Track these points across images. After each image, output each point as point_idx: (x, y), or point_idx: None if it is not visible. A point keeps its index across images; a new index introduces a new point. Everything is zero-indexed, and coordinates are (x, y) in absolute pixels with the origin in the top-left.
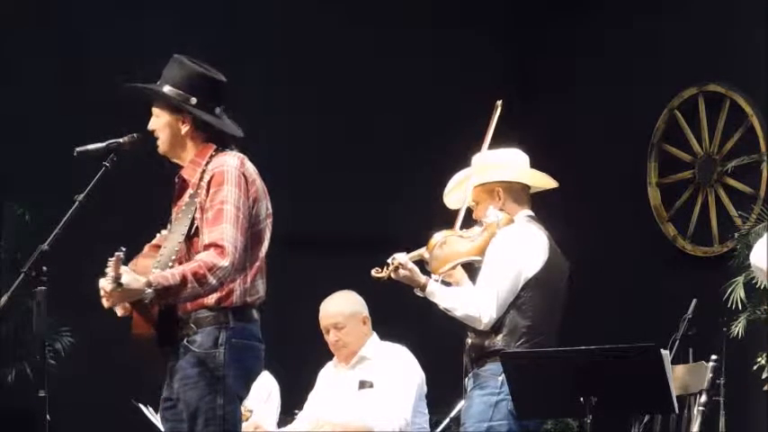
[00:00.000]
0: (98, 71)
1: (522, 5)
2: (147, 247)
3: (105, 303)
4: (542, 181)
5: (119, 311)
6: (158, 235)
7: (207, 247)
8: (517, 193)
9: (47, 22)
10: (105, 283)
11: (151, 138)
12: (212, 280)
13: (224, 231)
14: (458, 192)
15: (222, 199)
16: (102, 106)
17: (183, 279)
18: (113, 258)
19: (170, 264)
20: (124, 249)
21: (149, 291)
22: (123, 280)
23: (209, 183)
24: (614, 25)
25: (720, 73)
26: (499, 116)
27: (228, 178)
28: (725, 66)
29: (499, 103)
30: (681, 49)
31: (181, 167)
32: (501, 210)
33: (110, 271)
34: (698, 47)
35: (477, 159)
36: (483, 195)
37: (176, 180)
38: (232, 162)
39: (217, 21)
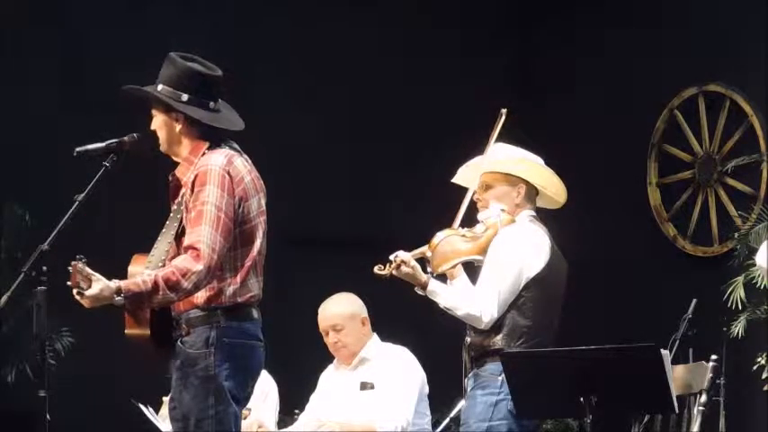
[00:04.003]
0: (98, 71)
1: (522, 5)
2: (135, 256)
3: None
4: (561, 197)
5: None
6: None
7: (185, 249)
8: (531, 195)
9: (47, 22)
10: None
11: (153, 137)
12: (186, 285)
13: (202, 234)
14: (472, 172)
15: (204, 199)
16: (102, 106)
17: (155, 285)
18: (71, 268)
19: (160, 264)
20: (83, 257)
21: (119, 298)
22: (89, 292)
23: (194, 182)
24: (614, 25)
25: (720, 73)
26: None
27: (211, 178)
28: (725, 66)
29: (504, 111)
30: (681, 49)
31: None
32: (504, 207)
33: (70, 281)
34: (698, 47)
35: (509, 149)
36: (502, 182)
37: (170, 179)
38: (217, 161)
39: (219, 20)
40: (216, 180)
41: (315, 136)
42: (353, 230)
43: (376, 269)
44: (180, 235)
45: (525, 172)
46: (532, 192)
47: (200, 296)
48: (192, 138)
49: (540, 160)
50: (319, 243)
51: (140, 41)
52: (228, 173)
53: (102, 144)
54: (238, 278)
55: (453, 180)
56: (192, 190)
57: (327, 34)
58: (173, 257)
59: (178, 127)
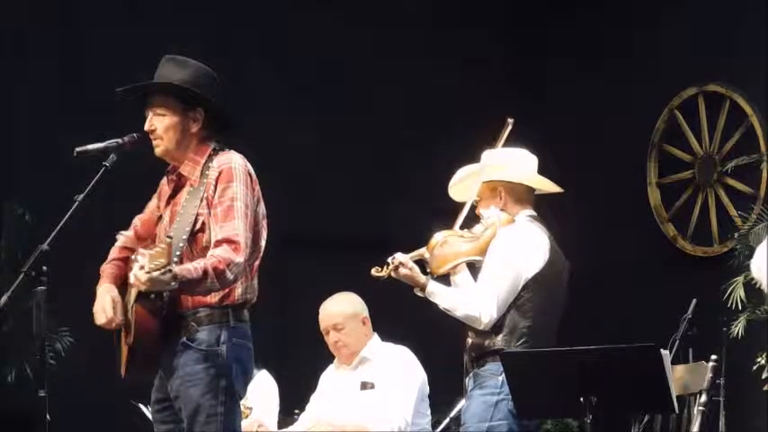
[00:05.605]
0: (98, 71)
1: (523, 5)
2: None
3: (141, 286)
4: (546, 186)
5: (103, 323)
6: (119, 237)
7: (220, 242)
8: (519, 193)
9: (47, 22)
10: (153, 272)
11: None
12: (230, 275)
13: (236, 227)
14: (463, 186)
15: (232, 195)
16: (102, 106)
17: (205, 273)
18: (164, 245)
19: (175, 260)
20: (171, 236)
21: (174, 284)
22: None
23: (217, 179)
24: (614, 25)
25: (720, 73)
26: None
27: (237, 175)
28: (725, 66)
29: (511, 120)
30: (681, 49)
31: (174, 166)
32: (502, 209)
33: (158, 257)
34: (698, 47)
35: (486, 156)
36: (486, 192)
37: (172, 177)
38: (239, 160)
39: (217, 21)
40: (242, 178)
41: (313, 136)
42: (353, 230)
43: (373, 271)
44: (196, 231)
45: (501, 174)
46: (518, 189)
47: (215, 294)
48: (201, 138)
49: (518, 156)
50: (319, 243)
51: (140, 41)
52: (249, 173)
53: (102, 144)
54: (250, 277)
55: (452, 197)
56: (216, 186)
57: (326, 34)
58: (185, 254)
59: (195, 127)
